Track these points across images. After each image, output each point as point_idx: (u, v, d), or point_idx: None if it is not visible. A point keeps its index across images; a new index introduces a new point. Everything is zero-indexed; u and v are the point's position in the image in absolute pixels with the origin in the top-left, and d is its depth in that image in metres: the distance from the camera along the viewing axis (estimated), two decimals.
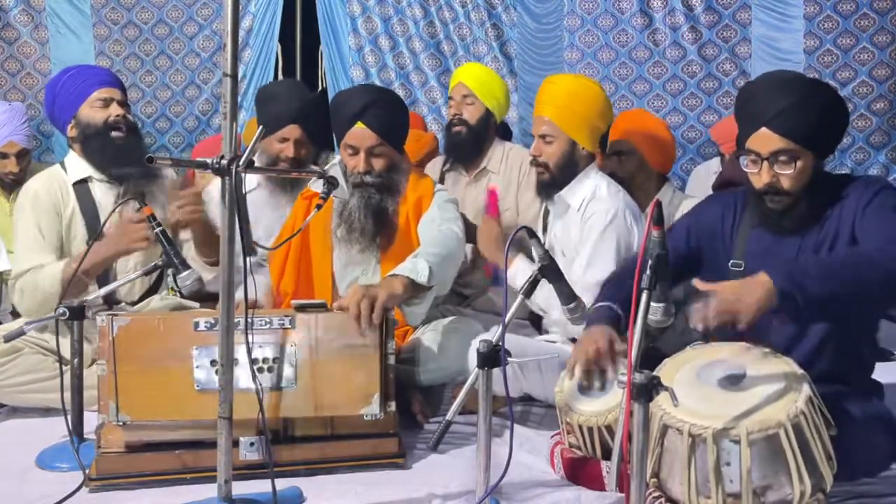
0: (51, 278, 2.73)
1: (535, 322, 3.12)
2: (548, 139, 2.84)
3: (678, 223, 2.47)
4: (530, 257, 2.73)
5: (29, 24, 5.49)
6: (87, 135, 2.87)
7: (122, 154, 2.86)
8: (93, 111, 2.87)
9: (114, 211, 2.59)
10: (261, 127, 1.99)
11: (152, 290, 3.03)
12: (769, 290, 1.87)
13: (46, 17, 5.50)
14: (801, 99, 2.10)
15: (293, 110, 3.18)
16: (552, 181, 2.86)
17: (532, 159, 2.90)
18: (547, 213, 3.03)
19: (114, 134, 2.86)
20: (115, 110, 2.87)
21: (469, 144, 3.69)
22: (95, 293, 2.55)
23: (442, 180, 3.72)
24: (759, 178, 2.14)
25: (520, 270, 2.75)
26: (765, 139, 2.11)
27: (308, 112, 3.23)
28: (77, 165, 2.94)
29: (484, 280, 3.55)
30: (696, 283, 1.94)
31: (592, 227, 2.75)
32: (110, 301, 2.88)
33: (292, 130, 3.19)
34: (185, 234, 2.90)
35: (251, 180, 3.31)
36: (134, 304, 2.97)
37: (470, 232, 3.15)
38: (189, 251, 2.87)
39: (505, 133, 4.35)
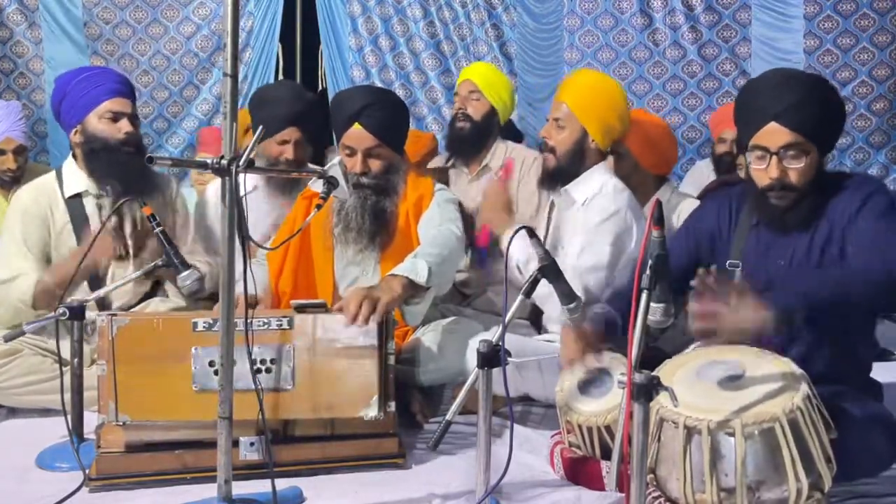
0: (23, 291, 2.72)
1: (535, 322, 3.11)
2: (560, 123, 2.87)
3: (677, 233, 2.47)
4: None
5: (22, 24, 5.48)
6: (93, 148, 2.82)
7: (128, 173, 2.82)
8: (101, 124, 2.81)
9: (112, 213, 2.57)
10: (260, 127, 1.98)
11: (148, 298, 3.00)
12: (765, 320, 1.91)
13: (40, 16, 5.48)
14: (808, 93, 2.12)
15: (293, 113, 3.17)
16: (558, 169, 2.88)
17: (542, 143, 2.92)
18: (552, 207, 3.04)
19: (123, 150, 2.81)
20: (124, 126, 2.82)
21: (471, 140, 3.69)
22: (93, 295, 2.52)
23: (444, 180, 3.71)
24: (767, 173, 2.14)
25: (518, 248, 2.70)
26: (774, 133, 2.12)
27: (307, 114, 3.22)
28: (74, 177, 2.89)
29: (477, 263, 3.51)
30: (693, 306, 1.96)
31: (591, 218, 2.78)
32: (104, 306, 2.84)
33: (292, 133, 3.17)
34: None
35: (249, 183, 3.31)
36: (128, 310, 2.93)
37: (470, 231, 3.14)
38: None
39: (515, 134, 4.35)
